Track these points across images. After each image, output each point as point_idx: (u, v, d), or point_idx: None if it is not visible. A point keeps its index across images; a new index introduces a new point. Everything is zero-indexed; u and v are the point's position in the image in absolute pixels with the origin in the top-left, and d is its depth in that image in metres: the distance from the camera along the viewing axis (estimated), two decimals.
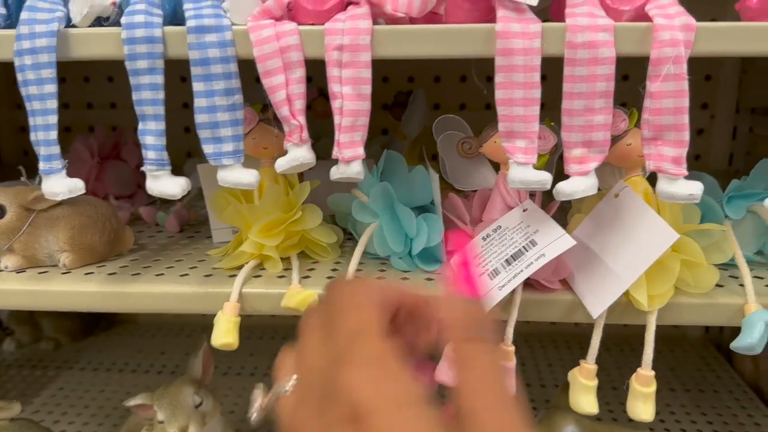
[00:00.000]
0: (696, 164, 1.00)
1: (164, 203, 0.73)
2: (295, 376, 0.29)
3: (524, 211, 0.49)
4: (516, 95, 0.42)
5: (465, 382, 0.26)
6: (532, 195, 0.51)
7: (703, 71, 0.94)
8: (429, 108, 0.98)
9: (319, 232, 0.54)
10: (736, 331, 0.46)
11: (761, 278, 0.51)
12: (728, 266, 0.51)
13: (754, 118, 0.91)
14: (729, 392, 0.90)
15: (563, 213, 0.53)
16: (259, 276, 0.52)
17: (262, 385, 0.32)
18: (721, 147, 0.96)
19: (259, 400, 0.31)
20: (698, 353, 1.00)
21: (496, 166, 0.52)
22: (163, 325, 1.09)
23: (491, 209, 0.51)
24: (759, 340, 0.44)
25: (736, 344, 0.45)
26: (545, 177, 0.43)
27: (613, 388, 0.88)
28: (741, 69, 0.91)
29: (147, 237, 0.65)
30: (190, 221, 0.68)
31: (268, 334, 1.08)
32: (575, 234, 0.50)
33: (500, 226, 0.49)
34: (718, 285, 0.49)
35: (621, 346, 1.01)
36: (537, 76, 0.42)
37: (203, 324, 1.11)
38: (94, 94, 0.99)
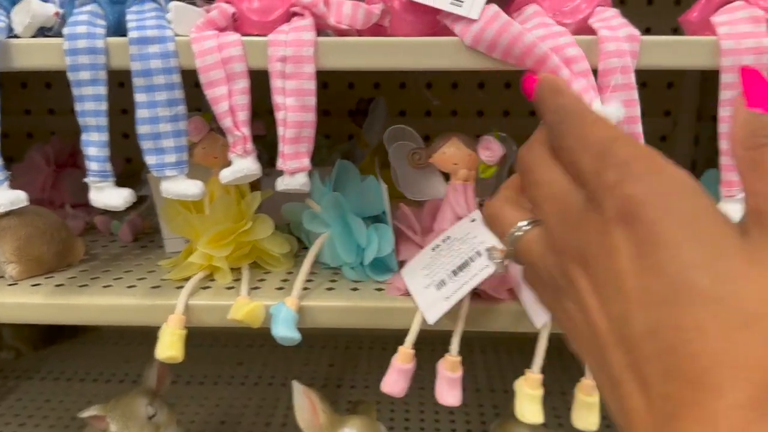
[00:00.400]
0: None
1: (119, 212, 0.72)
2: (526, 221, 0.30)
3: (472, 221, 0.49)
4: None
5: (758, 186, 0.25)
6: (481, 206, 0.51)
7: (666, 79, 0.95)
8: (395, 115, 0.99)
9: (271, 242, 0.54)
10: None
11: None
12: None
13: (715, 126, 0.92)
14: None
15: None
16: (208, 287, 0.52)
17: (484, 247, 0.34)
18: (683, 154, 0.98)
19: (495, 253, 0.33)
20: None
21: (448, 177, 0.53)
22: (126, 333, 1.08)
23: (441, 219, 0.51)
24: None
25: None
26: None
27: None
28: (703, 77, 0.93)
29: (100, 246, 0.65)
30: (145, 230, 0.68)
31: (232, 341, 1.07)
32: None
33: (449, 237, 0.49)
34: None
35: (560, 351, 1.02)
36: None
37: None
38: (55, 101, 0.98)
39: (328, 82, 0.98)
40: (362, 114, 0.79)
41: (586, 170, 0.26)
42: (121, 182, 0.47)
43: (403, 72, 0.96)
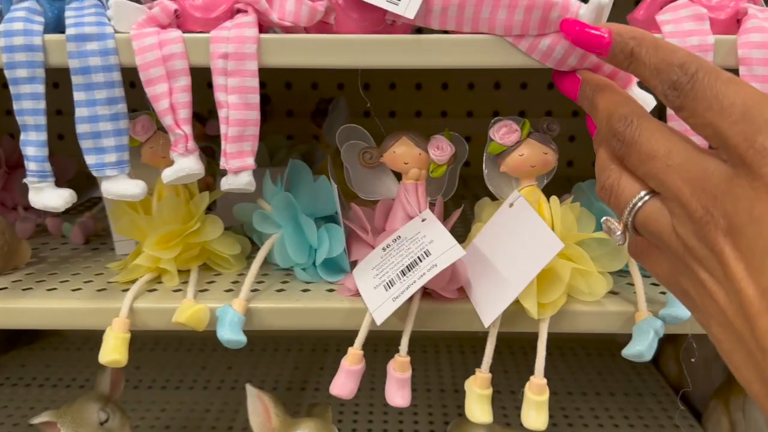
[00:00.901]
0: (593, 171, 1.02)
1: (71, 214, 0.71)
2: (645, 192, 0.29)
3: (423, 221, 0.49)
4: None
5: None
6: (432, 205, 0.51)
7: None
8: (359, 116, 0.98)
9: (221, 243, 0.53)
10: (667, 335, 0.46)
11: (657, 285, 0.52)
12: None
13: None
14: (653, 395, 0.92)
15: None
16: (155, 290, 0.50)
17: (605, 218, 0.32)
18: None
19: (614, 224, 0.32)
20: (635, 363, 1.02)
21: (399, 176, 0.52)
22: (90, 337, 1.06)
23: (393, 219, 0.51)
24: (648, 348, 0.44)
25: (627, 351, 0.45)
26: None
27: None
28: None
29: (50, 249, 0.63)
30: (97, 233, 0.66)
31: (197, 345, 1.06)
32: (474, 243, 0.50)
33: (399, 236, 0.49)
34: (613, 292, 0.50)
35: (525, 350, 1.02)
36: None
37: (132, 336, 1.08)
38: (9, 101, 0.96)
39: (291, 82, 0.97)
40: (322, 114, 0.78)
41: (729, 134, 0.25)
42: (75, 183, 0.46)
43: (368, 72, 0.96)
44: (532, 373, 0.46)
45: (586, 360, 1.01)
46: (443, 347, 1.04)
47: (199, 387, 0.93)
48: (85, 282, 0.53)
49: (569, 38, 0.36)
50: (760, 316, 0.23)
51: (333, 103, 0.76)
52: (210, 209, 0.65)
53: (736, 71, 0.43)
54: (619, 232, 0.31)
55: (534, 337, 0.47)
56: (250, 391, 0.57)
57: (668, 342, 0.97)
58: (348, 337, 0.47)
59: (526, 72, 0.39)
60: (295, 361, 1.01)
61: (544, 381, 0.46)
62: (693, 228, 0.27)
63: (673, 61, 0.28)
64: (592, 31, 0.34)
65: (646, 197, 0.29)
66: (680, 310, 0.45)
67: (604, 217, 0.33)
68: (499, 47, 0.42)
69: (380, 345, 0.82)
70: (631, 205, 0.30)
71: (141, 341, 1.07)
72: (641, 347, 0.44)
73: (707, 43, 0.42)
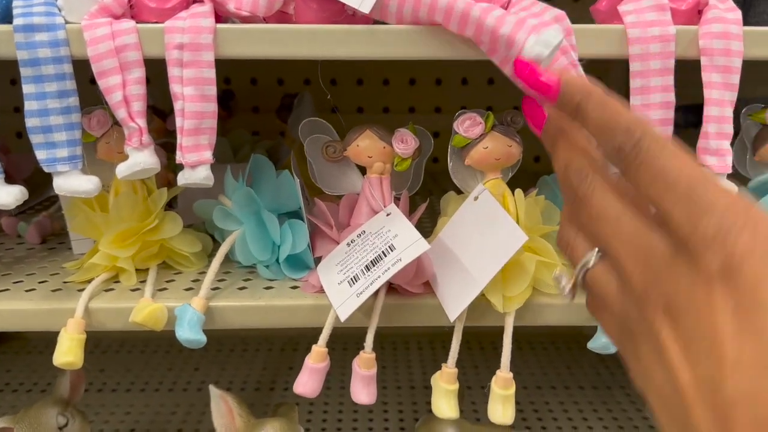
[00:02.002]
0: (535, 165, 1.03)
1: (27, 213, 0.68)
2: (596, 250, 0.28)
3: (388, 215, 0.48)
4: None
5: None
6: (397, 199, 0.50)
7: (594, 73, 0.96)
8: (327, 111, 0.97)
9: (181, 241, 0.52)
10: None
11: None
12: None
13: None
14: (621, 388, 0.92)
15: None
16: (112, 290, 0.49)
17: (558, 269, 0.32)
18: None
19: (564, 280, 0.30)
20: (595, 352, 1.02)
21: (364, 170, 0.51)
22: (53, 340, 1.03)
23: (358, 214, 0.50)
24: None
25: (592, 344, 0.45)
26: None
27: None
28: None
29: (5, 249, 0.61)
30: (54, 232, 0.64)
31: (163, 347, 1.04)
32: (439, 237, 0.50)
33: (364, 231, 0.48)
34: None
35: (495, 344, 1.02)
36: None
37: (95, 338, 1.06)
38: None
39: (256, 78, 0.96)
40: (288, 110, 0.77)
41: (673, 214, 0.24)
42: (32, 181, 0.44)
43: (335, 67, 0.95)
44: (525, 368, 0.46)
45: (555, 354, 1.01)
46: (413, 344, 1.03)
47: (164, 389, 0.91)
48: (40, 282, 0.51)
49: (520, 79, 0.34)
50: (695, 407, 0.22)
51: (298, 98, 0.75)
52: (172, 207, 0.64)
53: (698, 62, 0.43)
54: (567, 289, 0.31)
55: (521, 333, 0.47)
56: (214, 392, 0.55)
57: None
58: (315, 337, 0.46)
59: (494, 67, 0.39)
60: (263, 361, 0.99)
61: (510, 375, 0.45)
62: (635, 300, 0.26)
63: (619, 124, 0.27)
64: (542, 78, 0.32)
65: (597, 258, 0.29)
66: None
67: (556, 270, 0.32)
68: (456, 39, 0.41)
69: (350, 343, 0.81)
70: (582, 263, 0.29)
71: (106, 344, 1.04)
72: (606, 339, 0.44)
73: (669, 33, 0.42)
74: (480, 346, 0.99)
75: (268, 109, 0.92)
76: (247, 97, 0.95)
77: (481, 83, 0.96)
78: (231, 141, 0.74)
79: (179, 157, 0.42)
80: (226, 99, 0.84)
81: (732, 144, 0.51)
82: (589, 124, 0.29)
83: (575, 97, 0.30)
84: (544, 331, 1.07)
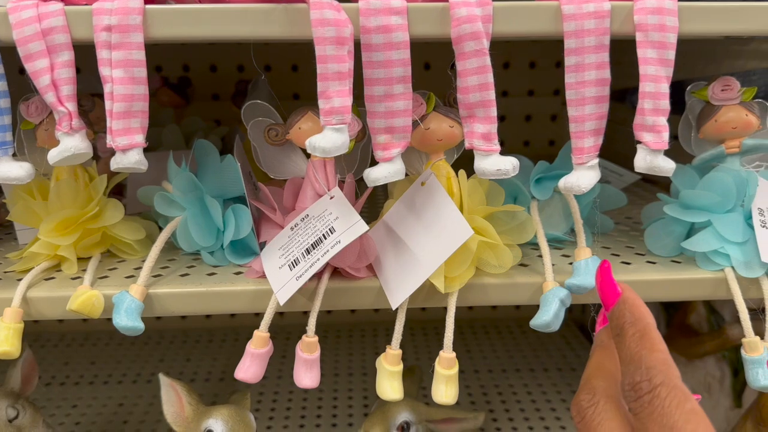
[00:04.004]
0: (551, 149, 1.04)
1: None
2: None
3: (331, 198, 0.48)
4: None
5: None
6: (342, 182, 0.50)
7: (554, 58, 0.96)
8: (288, 98, 0.97)
9: (123, 228, 0.51)
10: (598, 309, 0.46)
11: (568, 257, 0.52)
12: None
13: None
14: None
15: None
16: (53, 278, 0.48)
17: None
18: None
19: None
20: (561, 334, 1.03)
21: (308, 154, 0.51)
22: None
23: (303, 198, 0.50)
24: (554, 317, 0.44)
25: (534, 322, 0.45)
26: None
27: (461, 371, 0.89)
28: None
29: None
30: (2, 222, 0.63)
31: (127, 339, 1.03)
32: (383, 220, 0.49)
33: (308, 215, 0.48)
34: (522, 264, 0.50)
35: (461, 329, 1.03)
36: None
37: (59, 332, 1.05)
38: None
39: (215, 65, 0.95)
40: (243, 95, 0.76)
41: None
42: None
43: (296, 53, 0.95)
44: (491, 351, 0.46)
45: (521, 338, 1.02)
46: (369, 331, 1.05)
47: (128, 381, 0.90)
48: None
49: (597, 278, 0.36)
50: None
51: (252, 83, 0.74)
52: (123, 195, 0.63)
53: (633, 38, 0.43)
54: None
55: (474, 318, 0.46)
56: (163, 380, 0.55)
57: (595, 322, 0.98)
58: (283, 327, 0.46)
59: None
60: (228, 352, 0.99)
61: (453, 355, 0.45)
62: None
63: (644, 361, 0.28)
64: (611, 285, 0.33)
65: None
66: (585, 279, 0.45)
67: None
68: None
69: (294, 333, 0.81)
70: None
71: (70, 337, 1.04)
72: (546, 317, 0.44)
73: (603, 9, 0.42)
74: (436, 332, 1.01)
75: (227, 97, 0.91)
76: (206, 84, 0.94)
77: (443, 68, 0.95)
78: (184, 128, 0.73)
79: (109, 141, 0.41)
80: (183, 86, 0.83)
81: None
82: (623, 349, 0.30)
83: (624, 318, 0.31)
84: (511, 316, 1.08)
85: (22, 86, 0.46)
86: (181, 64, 0.94)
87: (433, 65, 0.93)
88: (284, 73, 0.95)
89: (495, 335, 1.01)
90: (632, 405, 0.28)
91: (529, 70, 0.98)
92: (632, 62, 0.43)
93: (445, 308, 0.46)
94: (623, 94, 0.78)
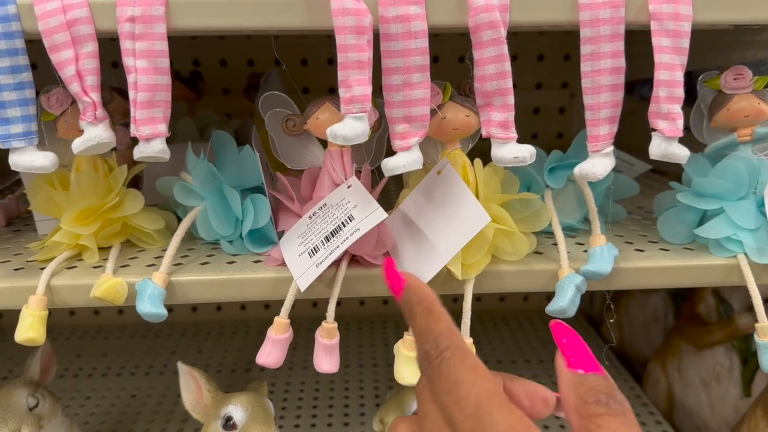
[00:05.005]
0: (559, 142, 1.04)
1: None
2: None
3: (349, 187, 0.48)
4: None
5: None
6: (359, 172, 0.50)
7: (562, 50, 0.97)
8: (297, 91, 0.97)
9: (143, 218, 0.52)
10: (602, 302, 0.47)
11: (582, 244, 0.52)
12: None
13: None
14: (605, 360, 0.93)
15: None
16: (75, 267, 0.49)
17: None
18: (581, 125, 1.00)
19: None
20: (569, 324, 1.03)
21: (325, 144, 0.51)
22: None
23: (320, 187, 0.50)
24: (569, 303, 0.45)
25: (550, 308, 0.46)
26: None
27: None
28: None
29: None
30: (21, 215, 0.64)
31: (140, 332, 1.04)
32: (400, 209, 0.50)
33: (326, 204, 0.48)
34: (537, 252, 0.50)
35: (482, 320, 1.05)
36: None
37: (72, 325, 1.06)
38: None
39: (226, 59, 0.95)
40: (255, 89, 0.77)
41: (461, 428, 0.27)
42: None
43: (306, 48, 0.95)
44: (499, 343, 0.47)
45: (530, 329, 1.02)
46: (378, 323, 1.05)
47: (141, 373, 0.91)
48: (2, 262, 0.51)
49: (383, 273, 0.37)
50: None
51: (265, 76, 0.75)
52: (139, 186, 0.63)
53: (646, 29, 0.43)
54: None
55: (483, 309, 0.47)
56: (182, 368, 0.56)
57: (610, 308, 0.99)
58: (294, 319, 0.47)
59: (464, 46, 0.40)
60: (240, 343, 1.00)
61: (470, 341, 0.46)
62: None
63: (432, 332, 0.30)
64: (395, 276, 0.35)
65: None
66: (601, 265, 0.46)
67: None
68: None
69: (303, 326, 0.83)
70: None
71: (82, 330, 1.04)
72: (563, 303, 0.45)
73: None
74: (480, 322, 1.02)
75: (238, 91, 0.91)
76: (217, 79, 0.94)
77: (453, 60, 0.96)
78: (198, 121, 0.74)
79: (133, 131, 0.42)
80: (194, 80, 0.84)
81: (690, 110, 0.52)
82: (415, 327, 0.32)
83: (412, 300, 0.33)
84: (519, 306, 1.08)
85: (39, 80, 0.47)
86: (192, 59, 0.94)
87: (441, 58, 0.93)
88: (294, 68, 0.95)
89: (503, 326, 1.02)
90: (427, 373, 0.30)
91: (537, 63, 0.98)
92: (641, 54, 0.43)
93: (457, 299, 0.47)
94: (632, 86, 0.78)
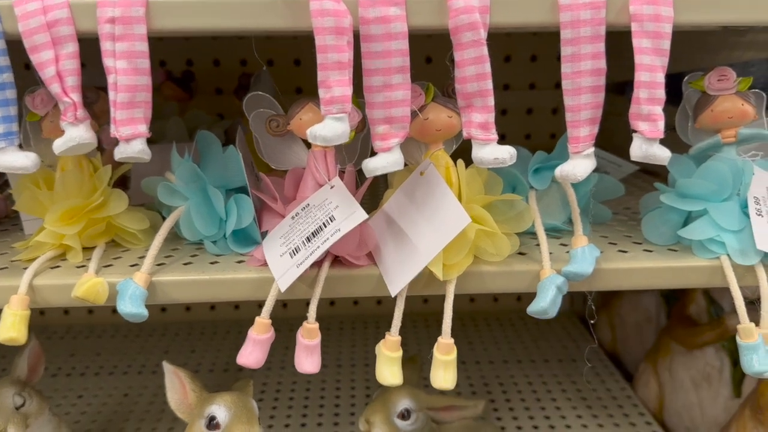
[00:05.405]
0: (552, 142, 1.04)
1: None
2: None
3: (332, 188, 0.48)
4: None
5: None
6: (342, 172, 0.50)
7: (555, 51, 0.96)
8: (290, 93, 0.97)
9: (128, 218, 0.52)
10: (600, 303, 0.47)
11: (566, 245, 0.52)
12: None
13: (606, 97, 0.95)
14: (586, 361, 0.93)
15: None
16: (58, 267, 0.49)
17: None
18: None
19: None
20: (562, 326, 1.04)
21: (309, 144, 0.51)
22: None
23: (304, 188, 0.50)
24: (550, 304, 0.45)
25: (531, 309, 0.46)
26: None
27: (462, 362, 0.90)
28: None
29: None
30: (9, 214, 0.64)
31: (133, 332, 1.04)
32: (383, 209, 0.50)
33: (308, 204, 0.48)
34: (521, 253, 0.50)
35: (463, 321, 1.04)
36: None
37: (65, 324, 1.06)
38: None
39: (219, 59, 0.95)
40: (246, 89, 0.77)
41: None
42: None
43: (299, 48, 0.95)
44: (492, 343, 0.46)
45: (523, 329, 1.02)
46: (371, 323, 1.05)
47: (133, 372, 0.91)
48: None
49: None
50: None
51: (255, 76, 0.75)
52: (126, 187, 0.64)
53: (629, 29, 0.43)
54: None
55: (476, 309, 0.47)
56: (167, 367, 0.56)
57: (602, 308, 0.99)
58: (285, 319, 0.47)
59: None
60: (233, 343, 1.00)
61: (451, 341, 0.46)
62: None
63: None
64: None
65: None
66: (582, 267, 0.46)
67: None
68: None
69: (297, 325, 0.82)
70: None
71: (77, 329, 1.05)
72: (544, 304, 0.45)
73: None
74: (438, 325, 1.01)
75: (231, 91, 0.92)
76: (210, 79, 0.95)
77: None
78: (188, 122, 0.74)
79: (113, 131, 0.42)
80: (186, 80, 0.84)
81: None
82: None
83: None
84: (511, 307, 1.08)
85: (27, 81, 0.47)
86: (185, 59, 0.94)
87: (434, 58, 0.93)
88: (287, 68, 0.96)
89: (496, 327, 1.02)
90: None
91: (530, 64, 0.98)
92: (632, 55, 0.43)
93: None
94: (623, 87, 0.78)
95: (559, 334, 1.01)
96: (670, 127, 0.45)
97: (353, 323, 1.05)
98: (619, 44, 0.44)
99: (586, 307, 1.09)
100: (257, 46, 0.96)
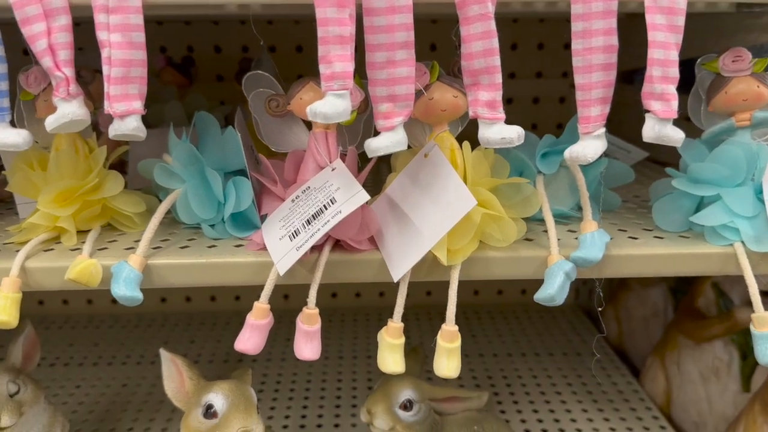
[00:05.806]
0: (558, 132, 1.03)
1: None
2: None
3: (333, 170, 0.47)
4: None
5: None
6: (344, 155, 0.49)
7: (562, 39, 0.95)
8: (293, 80, 0.96)
9: (123, 201, 0.51)
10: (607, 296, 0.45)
11: (574, 232, 0.51)
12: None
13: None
14: (592, 355, 0.92)
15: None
16: (52, 249, 0.48)
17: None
18: None
19: None
20: (567, 319, 1.03)
21: (310, 126, 0.50)
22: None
23: (304, 170, 0.49)
24: (558, 290, 0.43)
25: (538, 295, 0.44)
26: None
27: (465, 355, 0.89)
28: None
29: None
30: (4, 198, 0.63)
31: (132, 322, 1.03)
32: (386, 193, 0.49)
33: (309, 187, 0.47)
34: (527, 239, 0.49)
35: (467, 314, 1.03)
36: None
37: (64, 314, 1.05)
38: None
39: (220, 46, 0.94)
40: (246, 73, 0.75)
41: None
42: None
43: (301, 34, 0.94)
44: (496, 336, 0.45)
45: (527, 322, 1.01)
46: (374, 315, 1.04)
47: (132, 362, 0.90)
48: None
49: None
50: None
51: (255, 60, 0.73)
52: (124, 171, 0.62)
53: (641, 6, 0.42)
54: None
55: (480, 302, 0.46)
56: (164, 355, 0.55)
57: (609, 302, 0.97)
58: (286, 310, 0.45)
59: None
60: (233, 334, 0.98)
61: (456, 329, 0.44)
62: None
63: None
64: None
65: None
66: (591, 252, 0.44)
67: None
68: None
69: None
70: None
71: (75, 319, 1.04)
72: (551, 290, 0.43)
73: None
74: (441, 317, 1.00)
75: (232, 77, 0.90)
76: (211, 65, 0.93)
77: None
78: (187, 106, 0.73)
79: (107, 107, 0.40)
80: (186, 66, 0.82)
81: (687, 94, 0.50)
82: None
83: None
84: (516, 300, 1.07)
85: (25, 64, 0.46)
86: (186, 45, 0.93)
87: (439, 45, 0.92)
88: (288, 55, 0.94)
89: (500, 320, 1.01)
90: None
91: (537, 52, 0.97)
92: (641, 42, 0.42)
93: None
94: (632, 76, 0.76)
95: (564, 327, 1.00)
96: (682, 116, 0.43)
97: (355, 315, 1.04)
98: (627, 31, 0.42)
99: (591, 300, 1.08)
100: (258, 32, 0.95)
